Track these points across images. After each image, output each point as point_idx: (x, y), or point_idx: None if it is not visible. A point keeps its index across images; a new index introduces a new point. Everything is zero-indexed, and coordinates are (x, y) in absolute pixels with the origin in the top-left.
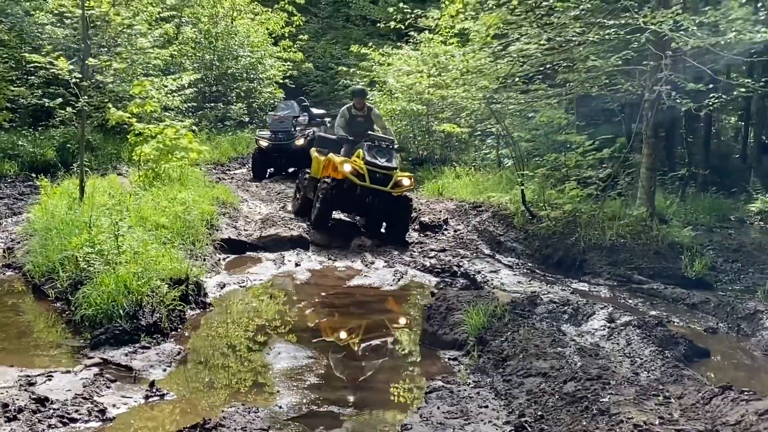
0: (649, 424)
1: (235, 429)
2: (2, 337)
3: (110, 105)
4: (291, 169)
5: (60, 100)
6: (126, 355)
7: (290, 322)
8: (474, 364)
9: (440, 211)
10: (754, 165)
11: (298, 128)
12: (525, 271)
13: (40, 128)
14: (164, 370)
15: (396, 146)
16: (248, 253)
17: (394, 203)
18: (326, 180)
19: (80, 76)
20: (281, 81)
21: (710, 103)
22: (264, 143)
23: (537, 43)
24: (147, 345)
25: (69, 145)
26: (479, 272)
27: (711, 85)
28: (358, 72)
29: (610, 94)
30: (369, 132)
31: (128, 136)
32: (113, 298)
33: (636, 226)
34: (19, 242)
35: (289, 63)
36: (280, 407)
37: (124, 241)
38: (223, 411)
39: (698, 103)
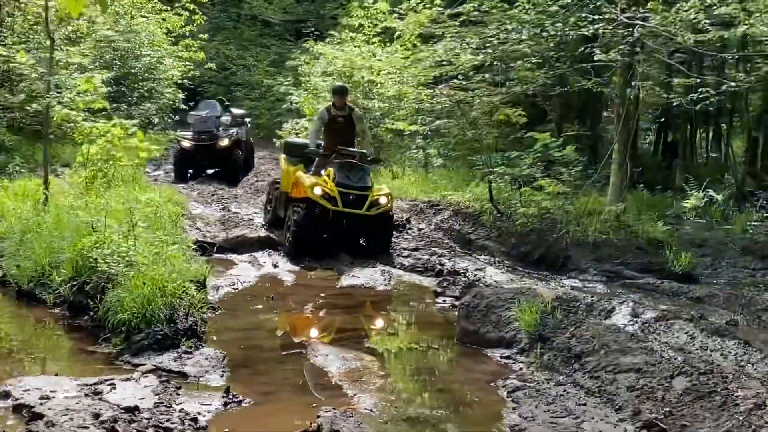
0: None
1: None
2: (22, 348)
3: (54, 102)
4: (211, 171)
5: None
6: (174, 360)
7: (312, 324)
8: (537, 362)
9: (397, 210)
10: (681, 163)
11: (221, 128)
12: (508, 268)
13: None
14: (221, 375)
15: (371, 157)
16: (216, 255)
17: (373, 222)
18: (296, 206)
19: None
20: (180, 81)
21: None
22: (186, 144)
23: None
24: (188, 350)
25: None
26: (465, 270)
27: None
28: (281, 72)
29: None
30: (339, 147)
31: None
32: (150, 301)
33: (613, 222)
34: None
35: (189, 63)
36: (371, 411)
37: (138, 242)
38: (319, 416)
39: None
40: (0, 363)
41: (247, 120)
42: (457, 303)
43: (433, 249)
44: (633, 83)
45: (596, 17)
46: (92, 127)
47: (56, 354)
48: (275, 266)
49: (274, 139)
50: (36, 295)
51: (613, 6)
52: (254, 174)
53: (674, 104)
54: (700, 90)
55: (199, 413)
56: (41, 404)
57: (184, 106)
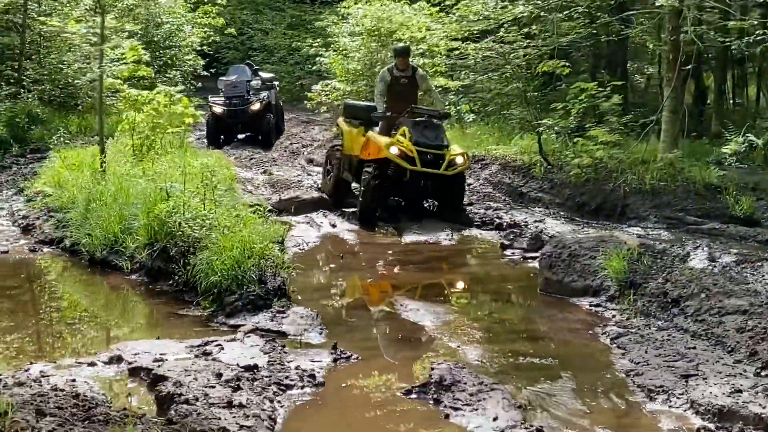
0: None
1: (465, 384)
2: (110, 314)
3: (103, 71)
4: (243, 135)
5: None
6: (271, 320)
7: (390, 280)
8: (631, 308)
9: None
10: (715, 109)
11: (252, 93)
12: (566, 219)
13: None
14: (320, 333)
15: (442, 113)
16: (272, 217)
17: (448, 183)
18: (368, 168)
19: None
20: (199, 48)
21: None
22: (218, 109)
23: None
24: (281, 310)
25: (18, 120)
26: (525, 223)
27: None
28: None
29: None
30: (413, 105)
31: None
32: (239, 263)
33: (668, 169)
34: (39, 218)
35: (208, 29)
36: (480, 362)
37: (216, 207)
38: (434, 369)
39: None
40: (95, 329)
41: (276, 83)
42: (527, 255)
43: (487, 203)
44: (684, 28)
45: None
46: (138, 95)
47: (148, 319)
48: (333, 226)
49: (305, 102)
50: (110, 263)
51: None
52: (286, 137)
53: (730, 47)
54: (757, 32)
55: (313, 370)
56: (158, 366)
57: (205, 73)
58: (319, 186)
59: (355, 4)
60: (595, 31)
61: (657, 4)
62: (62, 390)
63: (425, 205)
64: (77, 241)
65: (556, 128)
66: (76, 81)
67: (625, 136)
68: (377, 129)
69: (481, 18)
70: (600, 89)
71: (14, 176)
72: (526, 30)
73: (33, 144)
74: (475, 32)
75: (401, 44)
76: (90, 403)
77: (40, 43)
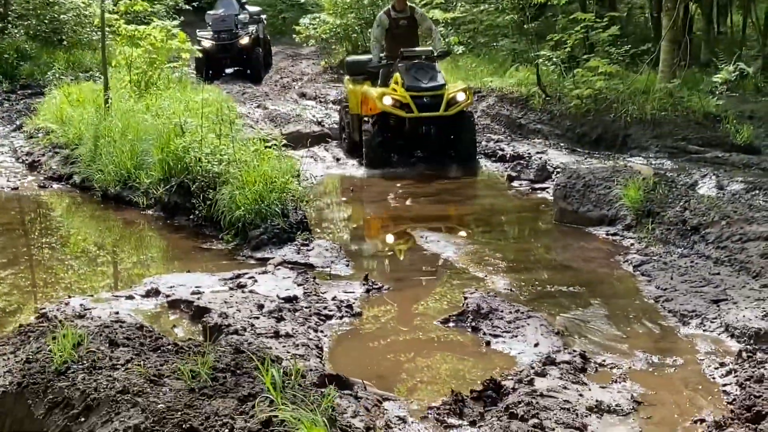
0: None
1: (501, 312)
2: (134, 246)
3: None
4: (231, 70)
5: None
6: (297, 253)
7: (405, 211)
8: (649, 236)
9: None
10: (704, 38)
11: (240, 26)
12: (567, 150)
13: None
14: (346, 265)
15: (439, 52)
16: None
17: (453, 124)
18: (367, 121)
19: None
20: None
21: None
22: (207, 44)
23: None
24: (305, 243)
25: (6, 56)
26: (528, 154)
27: None
28: None
29: None
30: (402, 49)
31: (64, 44)
32: (262, 197)
33: (668, 99)
34: (44, 154)
35: None
36: (510, 290)
37: (231, 143)
38: (466, 297)
39: None
40: (122, 263)
41: (263, 17)
42: (535, 186)
43: (488, 135)
44: None
45: None
46: (135, 30)
47: (172, 253)
48: (337, 160)
49: (293, 35)
50: (124, 198)
51: None
52: (275, 71)
53: None
54: None
55: (349, 300)
56: (198, 299)
57: (187, 7)
58: (342, 147)
59: None
60: None
61: None
62: (124, 321)
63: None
64: (88, 177)
65: (552, 59)
66: (62, 15)
67: (622, 67)
68: (379, 81)
69: None
70: (597, 20)
71: (8, 113)
72: None
73: (23, 80)
74: None
75: None
76: (155, 333)
77: None
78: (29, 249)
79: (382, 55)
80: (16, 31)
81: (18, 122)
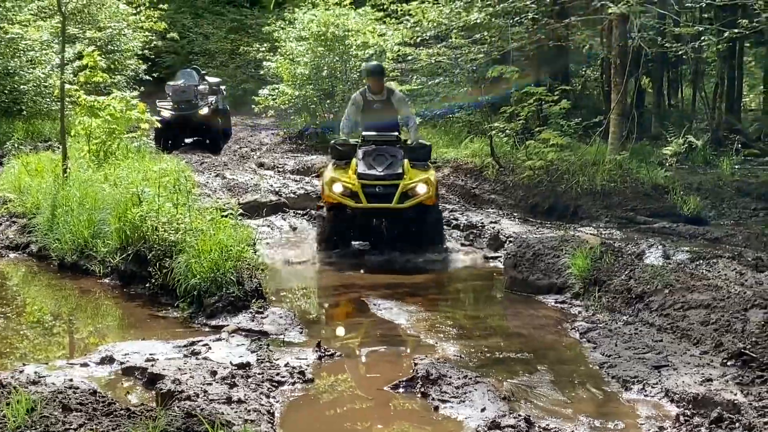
0: None
1: (450, 378)
2: (89, 315)
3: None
4: (190, 140)
5: None
6: (251, 320)
7: (358, 279)
8: (596, 304)
9: None
10: (654, 111)
11: (199, 97)
12: (520, 220)
13: None
14: (300, 332)
15: (415, 143)
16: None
17: (415, 217)
18: (321, 206)
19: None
20: (140, 52)
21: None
22: (167, 114)
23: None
24: (260, 310)
25: None
26: (481, 224)
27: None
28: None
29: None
30: (364, 133)
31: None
32: (218, 265)
33: (617, 170)
34: (1, 223)
35: (149, 34)
36: (460, 357)
37: (188, 212)
38: (416, 364)
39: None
40: (77, 331)
41: (222, 87)
42: (489, 254)
43: (443, 205)
44: (631, 34)
45: None
46: (94, 101)
47: (128, 321)
48: (293, 229)
49: (253, 105)
50: (81, 267)
51: None
52: (234, 141)
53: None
54: (703, 38)
55: (301, 367)
56: (152, 366)
57: (147, 77)
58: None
59: (300, 9)
60: (540, 35)
61: (609, 11)
62: (77, 387)
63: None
64: (46, 246)
65: (506, 131)
66: (21, 86)
67: (574, 139)
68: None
69: (434, 24)
70: (549, 94)
71: None
72: (477, 35)
73: None
74: (427, 38)
75: (373, 62)
76: (108, 399)
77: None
78: None
79: (346, 138)
80: None
81: None
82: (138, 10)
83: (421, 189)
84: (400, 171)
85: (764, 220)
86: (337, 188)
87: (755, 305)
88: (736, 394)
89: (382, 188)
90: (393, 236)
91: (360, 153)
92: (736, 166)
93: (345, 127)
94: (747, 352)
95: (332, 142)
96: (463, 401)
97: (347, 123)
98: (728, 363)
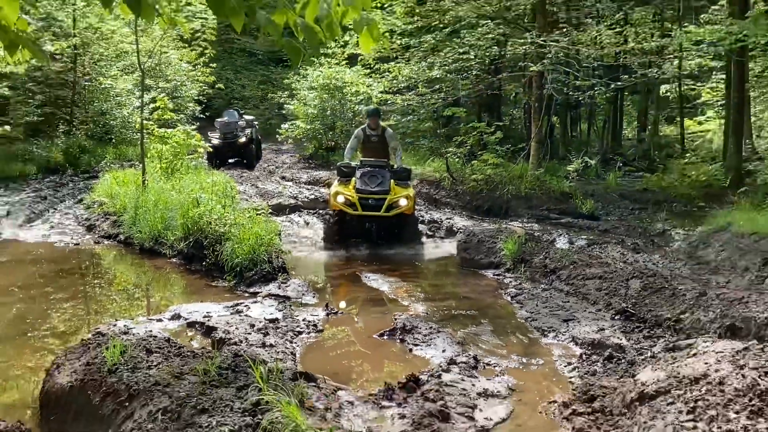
0: (734, 293)
1: (420, 329)
2: (162, 284)
3: (144, 116)
4: (233, 160)
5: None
6: (278, 288)
7: (354, 260)
8: (523, 276)
9: None
10: (561, 140)
11: (239, 130)
12: (467, 217)
13: (40, 137)
14: (313, 296)
15: (399, 168)
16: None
17: (396, 222)
18: (329, 213)
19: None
20: (196, 98)
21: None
22: (216, 142)
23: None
24: (284, 281)
25: (71, 150)
26: (440, 220)
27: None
28: (279, 85)
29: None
30: (362, 159)
31: (113, 141)
32: (254, 249)
33: (536, 182)
34: (98, 220)
35: (203, 84)
36: (427, 314)
37: (232, 211)
38: (396, 319)
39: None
40: (153, 296)
41: (255, 123)
42: (446, 240)
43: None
44: (545, 85)
45: (521, 40)
46: (164, 132)
47: (189, 289)
48: (307, 224)
49: (277, 136)
50: (155, 251)
51: (531, 33)
52: (264, 161)
53: (570, 98)
54: (595, 88)
55: (315, 321)
56: (208, 321)
57: (201, 116)
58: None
59: (311, 67)
60: (481, 87)
61: (531, 69)
62: (155, 336)
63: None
64: (130, 236)
65: (457, 154)
66: (111, 122)
67: (505, 160)
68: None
69: (407, 78)
70: (487, 127)
71: (72, 191)
72: (437, 86)
73: (82, 168)
74: (401, 87)
75: (372, 106)
76: (178, 344)
77: (85, 94)
78: (85, 287)
79: (349, 162)
80: (78, 132)
81: (80, 197)
82: (195, 67)
83: (403, 202)
84: (387, 188)
85: (639, 216)
86: (340, 199)
87: (634, 276)
88: (621, 339)
89: (374, 200)
90: (380, 236)
91: (358, 173)
92: (619, 179)
93: (348, 153)
94: (629, 309)
95: (338, 164)
96: (430, 345)
97: (350, 151)
98: (615, 317)
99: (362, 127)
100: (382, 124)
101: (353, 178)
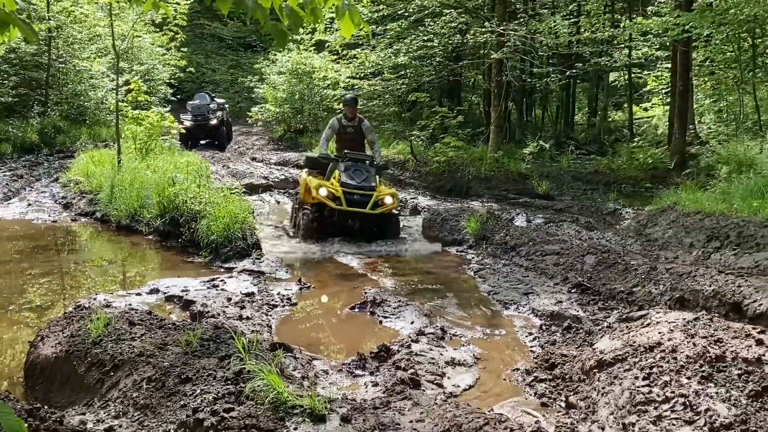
0: (682, 268)
1: (389, 302)
2: (139, 260)
3: (119, 99)
4: (204, 141)
5: None
6: (253, 264)
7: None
8: (484, 252)
9: None
10: (517, 124)
11: (210, 112)
12: (430, 196)
13: (15, 118)
14: (286, 272)
15: (380, 163)
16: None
17: (378, 222)
18: (306, 208)
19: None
20: (169, 81)
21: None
22: (188, 123)
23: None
24: (258, 257)
25: (46, 130)
26: (405, 199)
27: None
28: (248, 70)
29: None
30: (345, 151)
31: (87, 122)
32: (229, 227)
33: (495, 164)
34: (74, 198)
35: (175, 68)
36: (395, 288)
37: (207, 190)
38: (366, 293)
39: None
40: (131, 271)
41: (226, 106)
42: (411, 219)
43: None
44: (504, 73)
45: (482, 29)
46: (139, 114)
47: (166, 264)
48: (278, 202)
49: (247, 118)
50: (132, 228)
51: (491, 22)
52: (234, 143)
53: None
54: (550, 76)
55: (289, 295)
56: (186, 294)
57: (173, 98)
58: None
59: (280, 53)
60: (444, 73)
61: (492, 57)
62: (137, 309)
63: None
64: (107, 213)
65: (420, 137)
66: (86, 103)
67: (465, 143)
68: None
69: (373, 64)
70: (449, 112)
71: (48, 170)
72: (402, 72)
73: (57, 147)
74: (368, 74)
75: (350, 94)
76: (159, 317)
77: (59, 76)
78: (63, 263)
79: (325, 152)
80: (53, 113)
81: (55, 176)
82: (167, 51)
83: (388, 200)
84: (374, 184)
85: (591, 197)
86: (323, 192)
87: (589, 252)
88: (578, 311)
89: (359, 196)
90: (363, 234)
91: (342, 167)
92: (572, 161)
93: (323, 145)
94: (585, 283)
95: (307, 155)
96: (398, 317)
97: (325, 142)
98: (572, 291)
99: (337, 116)
100: (360, 115)
101: (336, 171)
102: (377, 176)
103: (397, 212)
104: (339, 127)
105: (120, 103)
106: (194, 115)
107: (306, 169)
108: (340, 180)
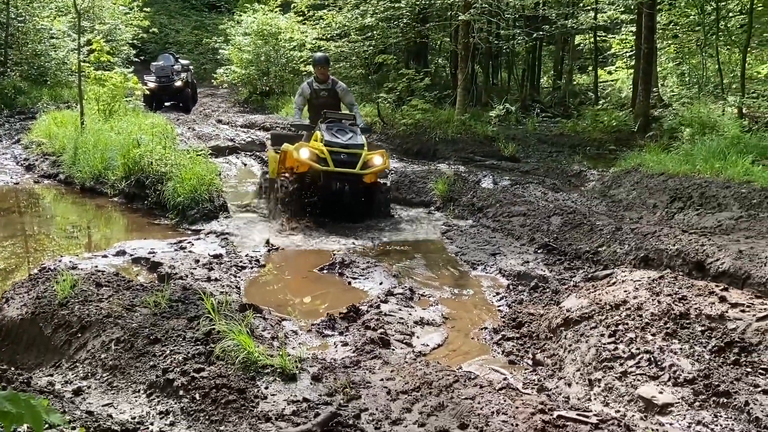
0: (647, 228)
1: (358, 264)
2: (104, 222)
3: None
4: (169, 103)
5: None
6: (220, 226)
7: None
8: (452, 214)
9: None
10: (483, 87)
11: (175, 74)
12: (398, 159)
13: None
14: (254, 233)
15: (362, 125)
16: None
17: (368, 191)
18: (284, 176)
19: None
20: (131, 41)
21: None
22: (152, 85)
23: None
24: (225, 219)
25: (6, 91)
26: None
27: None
28: (213, 31)
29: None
30: (325, 110)
31: (48, 83)
32: (196, 189)
33: (462, 126)
34: (37, 160)
35: (138, 28)
36: (363, 248)
37: (173, 152)
38: (334, 254)
39: None
40: (96, 233)
41: (191, 67)
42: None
43: None
44: (472, 35)
45: None
46: (102, 74)
47: (132, 226)
48: (245, 165)
49: (212, 80)
50: (96, 190)
51: None
52: (199, 105)
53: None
54: (516, 38)
55: (257, 256)
56: (153, 256)
57: (136, 60)
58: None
59: (245, 13)
60: (411, 35)
61: (459, 18)
62: (103, 271)
63: None
64: (70, 175)
65: (387, 99)
66: (46, 63)
67: (432, 105)
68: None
69: (340, 25)
70: (416, 74)
71: (9, 131)
72: (368, 33)
73: (18, 109)
74: (334, 35)
75: (320, 53)
76: (126, 278)
77: (18, 36)
78: (25, 225)
79: (301, 121)
80: (13, 73)
81: (17, 137)
82: (130, 11)
83: (378, 160)
84: (361, 142)
85: (556, 159)
86: (305, 153)
87: (555, 213)
88: (544, 271)
89: (347, 156)
90: (350, 207)
91: (323, 126)
92: (537, 124)
93: (297, 114)
94: (551, 244)
95: (272, 132)
96: (367, 278)
97: (298, 111)
98: (539, 251)
99: (308, 81)
100: (333, 77)
101: (318, 132)
102: (364, 136)
103: (387, 184)
104: (310, 92)
105: (82, 64)
106: (158, 77)
107: (272, 147)
108: (324, 139)
